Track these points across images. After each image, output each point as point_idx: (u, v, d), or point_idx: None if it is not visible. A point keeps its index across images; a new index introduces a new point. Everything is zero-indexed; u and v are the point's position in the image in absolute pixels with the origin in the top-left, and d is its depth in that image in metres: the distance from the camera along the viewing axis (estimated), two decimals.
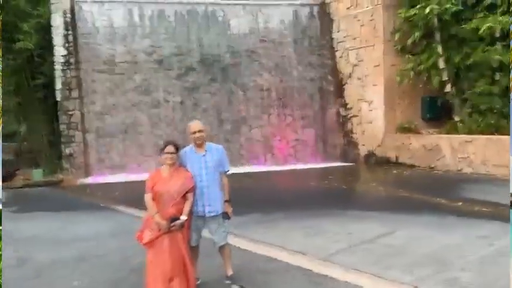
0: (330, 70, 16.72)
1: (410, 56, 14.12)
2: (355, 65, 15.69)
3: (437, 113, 14.51)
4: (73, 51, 14.77)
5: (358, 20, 15.38)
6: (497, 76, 12.51)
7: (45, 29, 14.95)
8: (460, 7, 12.87)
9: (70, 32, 14.74)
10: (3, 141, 16.33)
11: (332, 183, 12.28)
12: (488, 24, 11.83)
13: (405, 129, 14.48)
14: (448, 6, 12.76)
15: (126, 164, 15.01)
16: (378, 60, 14.77)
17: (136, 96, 15.31)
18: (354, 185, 12.58)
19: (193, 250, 4.59)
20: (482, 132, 12.32)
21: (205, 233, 4.75)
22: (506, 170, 10.39)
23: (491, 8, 12.41)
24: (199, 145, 4.59)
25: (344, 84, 16.31)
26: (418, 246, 5.85)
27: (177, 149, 4.43)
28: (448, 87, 13.61)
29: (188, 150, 4.62)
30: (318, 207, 8.71)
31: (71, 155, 14.65)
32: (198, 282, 4.60)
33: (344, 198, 10.34)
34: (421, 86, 14.27)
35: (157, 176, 4.36)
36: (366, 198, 10.40)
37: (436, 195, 9.29)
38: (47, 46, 14.92)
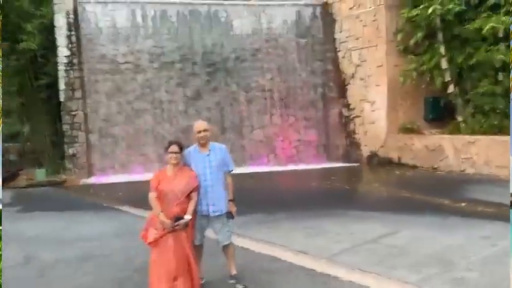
0: (332, 70, 16.72)
1: (413, 57, 14.11)
2: (358, 66, 15.69)
3: (440, 114, 14.49)
4: (76, 51, 14.80)
5: (361, 21, 15.38)
6: (500, 76, 12.46)
7: (49, 30, 14.99)
8: (463, 7, 12.85)
9: (73, 33, 14.77)
10: (7, 142, 16.41)
11: (334, 184, 12.28)
12: (491, 24, 11.79)
13: (408, 130, 14.46)
14: (450, 6, 12.74)
15: (129, 164, 15.04)
16: (381, 61, 14.76)
17: (139, 96, 15.34)
18: (356, 186, 12.58)
19: (197, 249, 4.61)
20: (485, 133, 12.30)
21: (209, 232, 4.77)
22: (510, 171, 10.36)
23: (495, 8, 12.38)
24: (203, 145, 4.61)
25: (347, 85, 16.31)
26: (422, 247, 5.85)
27: (181, 148, 4.45)
28: (450, 88, 13.58)
29: (192, 149, 4.64)
30: (320, 207, 8.71)
31: (74, 155, 14.68)
32: (202, 281, 4.61)
33: (346, 198, 10.34)
34: (423, 86, 14.25)
35: (162, 175, 4.38)
36: (368, 199, 10.40)
37: (439, 195, 9.28)
38: (50, 46, 14.96)
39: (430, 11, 12.89)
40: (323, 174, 14.33)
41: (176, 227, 4.18)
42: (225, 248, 4.75)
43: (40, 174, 14.15)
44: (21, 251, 6.41)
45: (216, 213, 4.58)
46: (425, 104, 14.75)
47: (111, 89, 15.17)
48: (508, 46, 11.95)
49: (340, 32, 16.35)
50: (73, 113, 14.71)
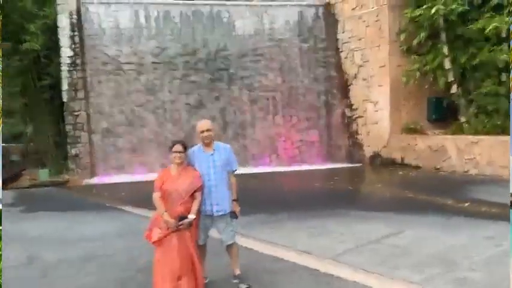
0: (335, 71, 16.71)
1: (416, 57, 14.09)
2: (361, 66, 15.68)
3: (443, 114, 14.47)
4: (79, 52, 14.84)
5: (364, 21, 15.37)
6: (504, 77, 12.44)
7: (52, 30, 15.04)
8: (466, 7, 12.82)
9: (76, 33, 14.81)
10: (10, 142, 16.48)
11: (337, 184, 12.26)
12: (494, 24, 11.76)
13: (411, 130, 14.44)
14: (454, 6, 12.71)
15: (132, 164, 15.06)
16: (384, 61, 14.75)
17: (142, 97, 15.38)
18: (359, 186, 12.56)
19: (201, 249, 4.61)
20: (488, 133, 12.27)
21: (213, 232, 4.77)
22: None
23: (498, 8, 12.34)
24: (207, 144, 4.61)
25: (349, 85, 16.31)
26: (425, 247, 5.84)
27: (185, 148, 4.45)
28: (454, 88, 13.56)
29: (196, 149, 4.64)
30: (323, 207, 8.69)
31: (76, 155, 14.72)
32: (206, 281, 4.60)
33: (349, 199, 10.32)
34: (426, 86, 14.22)
35: (166, 174, 4.38)
36: (371, 199, 10.37)
37: (442, 196, 9.26)
38: (54, 47, 15.01)
39: (433, 11, 12.86)
40: (326, 174, 14.32)
41: (180, 227, 4.18)
42: (229, 247, 4.75)
43: (43, 175, 14.19)
44: (24, 251, 6.41)
45: (220, 213, 4.58)
46: (428, 104, 14.72)
47: (114, 89, 15.20)
48: None
49: (343, 32, 16.35)
50: (76, 113, 14.75)
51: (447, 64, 13.43)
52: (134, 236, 6.46)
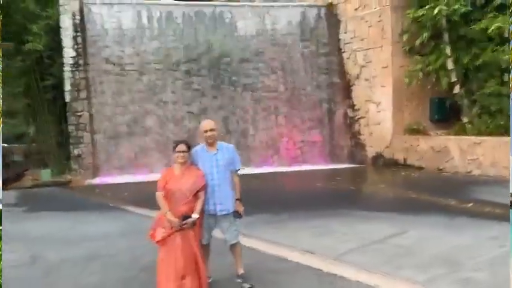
0: (337, 71, 16.69)
1: (418, 57, 14.05)
2: (363, 66, 15.66)
3: (446, 115, 14.43)
4: (82, 52, 14.85)
5: (366, 21, 15.35)
6: (507, 77, 12.41)
7: (54, 31, 15.04)
8: (469, 8, 12.79)
9: (79, 34, 14.81)
10: (12, 142, 16.50)
11: (339, 185, 12.26)
12: (497, 25, 11.72)
13: (413, 131, 14.40)
14: (456, 6, 12.68)
15: (134, 164, 15.07)
16: (386, 62, 14.72)
17: (144, 97, 15.38)
18: (361, 186, 12.55)
19: (205, 248, 4.61)
20: (491, 134, 12.23)
21: (216, 232, 4.76)
22: None
23: (501, 9, 12.31)
24: (210, 144, 4.61)
25: (351, 86, 16.28)
26: (428, 247, 5.82)
27: (189, 147, 4.45)
28: (456, 88, 13.52)
29: (199, 149, 4.64)
30: (326, 207, 8.69)
31: (79, 155, 14.72)
32: (210, 280, 4.60)
33: (352, 199, 10.31)
34: (429, 87, 14.20)
35: (170, 174, 4.38)
36: (374, 199, 10.36)
37: (445, 196, 9.23)
38: (56, 47, 15.01)
39: (435, 11, 12.84)
40: (328, 175, 14.31)
41: (184, 226, 4.18)
42: (232, 247, 4.75)
43: (45, 175, 14.21)
44: (27, 251, 6.42)
45: (223, 212, 4.58)
46: (431, 105, 14.69)
47: (116, 89, 15.21)
48: None
49: (345, 33, 16.33)
50: (78, 113, 14.76)
51: (450, 64, 13.40)
52: (137, 235, 6.46)
